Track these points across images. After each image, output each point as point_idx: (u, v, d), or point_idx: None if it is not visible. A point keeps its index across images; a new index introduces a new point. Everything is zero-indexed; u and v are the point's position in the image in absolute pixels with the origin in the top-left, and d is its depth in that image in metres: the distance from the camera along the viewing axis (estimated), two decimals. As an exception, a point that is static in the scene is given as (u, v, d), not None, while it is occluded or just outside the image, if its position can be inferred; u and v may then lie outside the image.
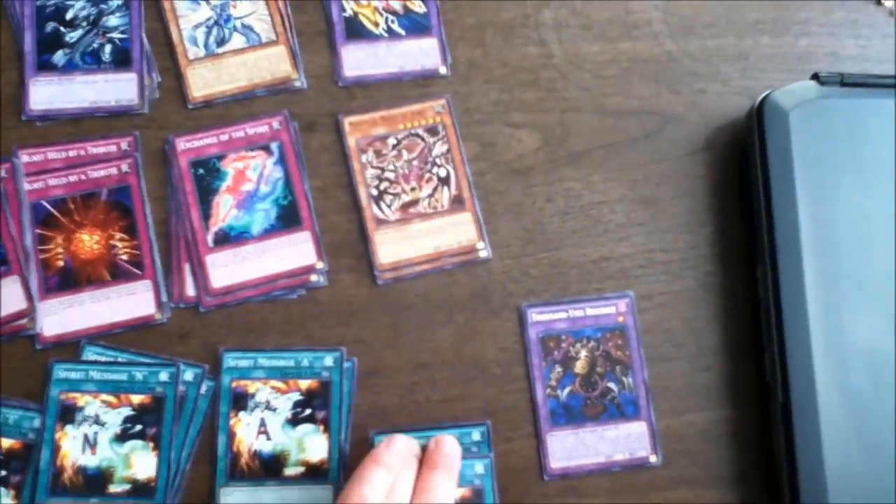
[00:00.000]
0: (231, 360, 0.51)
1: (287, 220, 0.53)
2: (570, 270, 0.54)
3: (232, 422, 0.51)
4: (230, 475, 0.50)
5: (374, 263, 0.53)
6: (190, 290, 0.52)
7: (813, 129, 0.53)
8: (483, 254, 0.54)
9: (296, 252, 0.53)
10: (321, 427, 0.51)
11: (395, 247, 0.54)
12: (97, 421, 0.50)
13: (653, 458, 0.53)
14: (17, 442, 0.49)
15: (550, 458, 0.52)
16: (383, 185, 0.54)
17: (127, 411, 0.50)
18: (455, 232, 0.54)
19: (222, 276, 0.52)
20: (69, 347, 0.50)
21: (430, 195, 0.54)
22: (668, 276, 0.55)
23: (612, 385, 0.54)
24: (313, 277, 0.53)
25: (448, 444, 0.50)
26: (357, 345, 0.52)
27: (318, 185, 0.54)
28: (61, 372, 0.50)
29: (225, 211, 0.53)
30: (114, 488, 0.49)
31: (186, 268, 0.52)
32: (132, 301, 0.51)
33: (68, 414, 0.50)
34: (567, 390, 0.53)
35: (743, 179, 0.55)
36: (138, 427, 0.50)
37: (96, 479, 0.49)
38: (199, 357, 0.51)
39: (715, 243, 0.56)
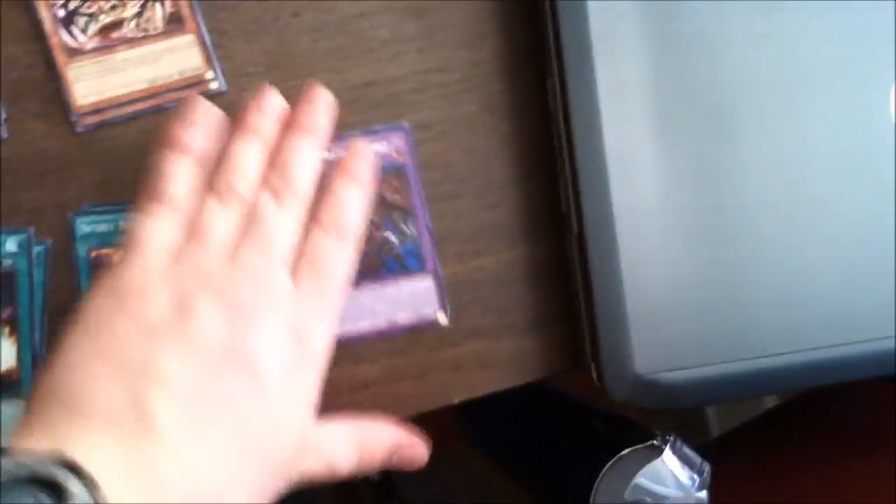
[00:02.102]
0: None
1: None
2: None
3: None
4: None
5: (70, 106, 0.42)
6: None
7: None
8: (214, 85, 0.44)
9: (-41, 96, 0.41)
10: (6, 329, 0.41)
11: (95, 83, 0.42)
12: None
13: (441, 317, 0.45)
14: None
15: None
16: (72, 4, 0.42)
17: None
18: (174, 60, 0.43)
19: None
20: None
21: (139, 14, 0.42)
22: (447, 101, 0.46)
23: (390, 235, 0.46)
24: (-11, 129, 0.41)
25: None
26: (54, 213, 0.42)
27: (-17, 7, 0.41)
28: None
29: None
30: None
31: None
32: None
33: None
34: None
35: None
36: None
37: None
38: None
39: (500, 59, 0.47)
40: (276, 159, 0.39)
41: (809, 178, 0.44)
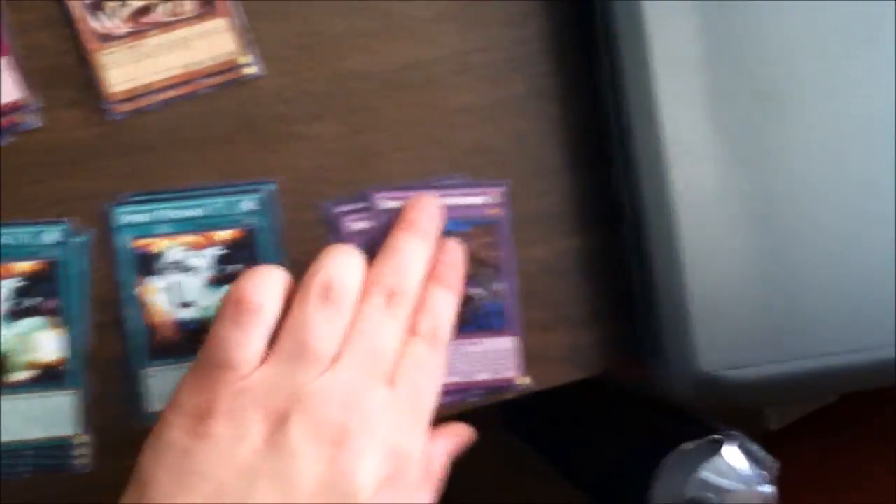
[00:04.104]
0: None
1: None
2: (363, 83, 0.42)
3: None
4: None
5: (102, 93, 0.40)
6: None
7: None
8: (249, 70, 0.42)
9: (-9, 85, 0.39)
10: (51, 320, 0.40)
11: (127, 69, 0.40)
12: None
13: (520, 380, 0.43)
14: None
15: None
16: (102, -12, 0.41)
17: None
18: (207, 44, 0.41)
19: None
20: None
21: (170, -3, 0.41)
22: (490, 83, 0.43)
23: (476, 292, 0.43)
24: (22, 118, 0.40)
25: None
26: (91, 203, 0.40)
27: (11, -7, 0.40)
28: None
29: None
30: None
31: None
32: None
33: None
34: None
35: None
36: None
37: None
38: None
39: (547, 38, 0.44)
40: (379, 264, 0.38)
41: (873, 164, 0.41)
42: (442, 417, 0.41)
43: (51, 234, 0.40)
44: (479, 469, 0.73)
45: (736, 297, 0.39)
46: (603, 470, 0.59)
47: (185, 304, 0.41)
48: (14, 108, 0.40)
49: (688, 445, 0.47)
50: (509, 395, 0.43)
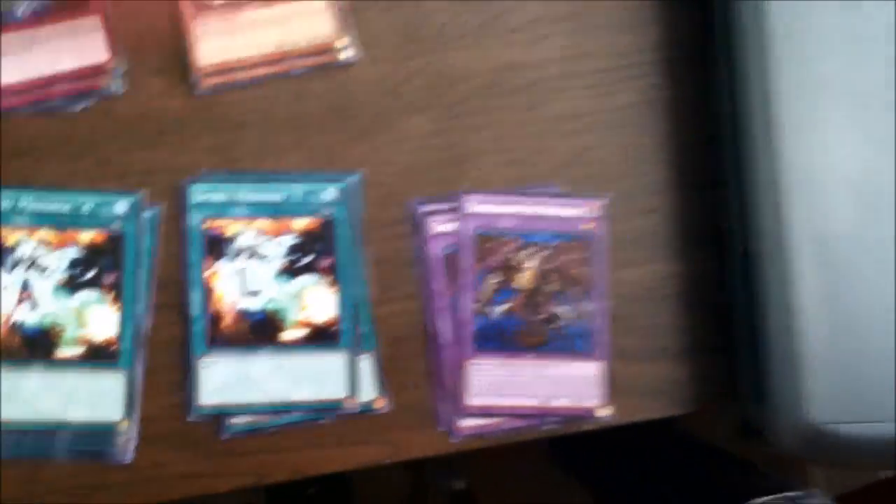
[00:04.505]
0: (-17, 198, 0.37)
1: (66, -1, 0.38)
2: (463, 80, 0.40)
3: (-17, 282, 0.37)
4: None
5: (193, 64, 0.38)
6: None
7: None
8: (345, 55, 0.40)
9: (79, 46, 0.38)
10: (109, 296, 0.38)
11: (220, 42, 0.38)
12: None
13: (602, 412, 0.40)
14: None
15: (468, 392, 0.39)
16: (204, -45, 0.39)
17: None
18: (305, 24, 0.39)
19: (-28, 78, 0.37)
20: None
21: (272, -29, 0.39)
22: (600, 90, 0.41)
23: (562, 311, 0.40)
24: (106, 82, 0.38)
25: None
26: (167, 177, 0.38)
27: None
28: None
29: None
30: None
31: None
32: None
33: None
34: (503, 308, 0.40)
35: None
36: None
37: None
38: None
39: (663, 47, 0.41)
40: None
41: None
42: (498, 446, 0.38)
43: (120, 205, 0.38)
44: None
45: (857, 345, 0.35)
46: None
47: (252, 293, 0.39)
48: (97, 71, 0.38)
49: (759, 501, 0.44)
50: (587, 427, 0.40)
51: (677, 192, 0.41)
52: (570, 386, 0.40)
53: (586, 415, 0.40)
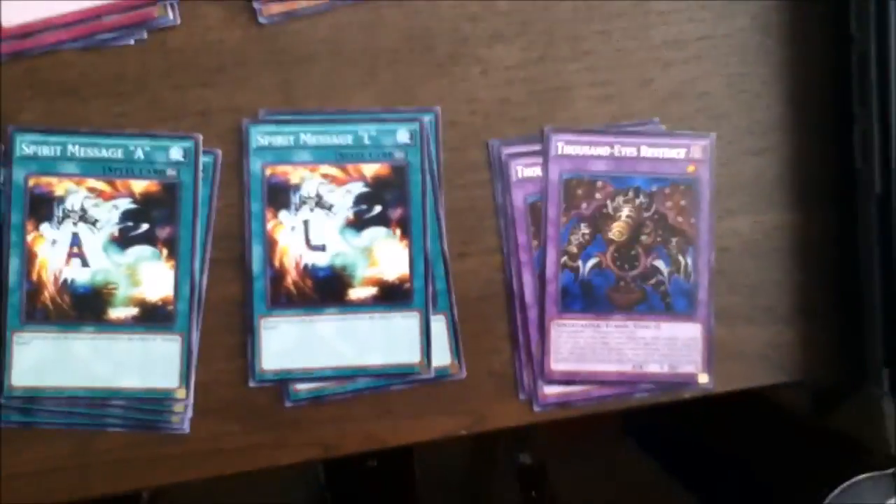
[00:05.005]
0: (27, 145, 0.34)
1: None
2: (555, 3, 0.36)
3: (30, 237, 0.34)
4: (27, 314, 0.34)
5: (254, -10, 0.35)
6: (-36, 29, 0.34)
7: None
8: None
9: (128, -30, 0.35)
10: (164, 251, 0.35)
11: (284, -37, 0.35)
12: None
13: (703, 378, 0.36)
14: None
15: (553, 356, 0.36)
16: None
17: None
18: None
19: (18, 10, 0.34)
20: None
21: None
22: (709, 15, 0.36)
23: (661, 265, 0.36)
24: (159, 12, 0.35)
25: None
26: (226, 116, 0.35)
27: None
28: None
29: None
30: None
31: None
32: None
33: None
34: (592, 262, 0.36)
35: None
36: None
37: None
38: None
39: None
40: None
41: None
42: (581, 416, 0.35)
43: (175, 151, 0.35)
44: (599, 479, 0.67)
45: None
46: (745, 494, 0.52)
47: (317, 248, 0.35)
48: (148, 0, 0.35)
49: (861, 477, 0.40)
50: (685, 395, 0.36)
51: (793, 132, 0.36)
52: (667, 350, 0.36)
53: (684, 382, 0.36)
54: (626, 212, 0.36)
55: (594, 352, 0.36)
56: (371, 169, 0.36)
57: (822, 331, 0.37)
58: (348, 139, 0.36)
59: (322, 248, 0.36)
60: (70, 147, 0.34)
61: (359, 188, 0.36)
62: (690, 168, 0.36)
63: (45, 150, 0.34)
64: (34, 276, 0.34)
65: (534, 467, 0.69)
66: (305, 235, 0.35)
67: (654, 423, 0.65)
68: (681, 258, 0.36)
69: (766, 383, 0.37)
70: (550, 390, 0.36)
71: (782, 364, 0.37)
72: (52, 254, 0.34)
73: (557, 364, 0.36)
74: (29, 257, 0.34)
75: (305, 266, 0.35)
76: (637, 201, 0.36)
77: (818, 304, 0.37)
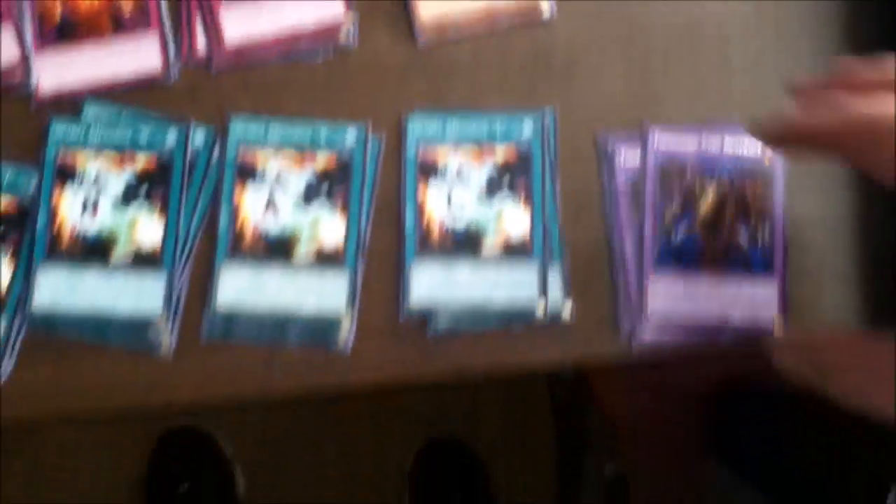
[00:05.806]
0: (240, 125, 0.44)
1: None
2: (655, 31, 0.45)
3: (237, 195, 0.44)
4: (232, 253, 0.43)
5: (416, 22, 0.45)
6: (201, 47, 0.45)
7: None
8: (547, 14, 0.45)
9: (321, 5, 0.45)
10: (338, 209, 0.44)
11: (438, 4, 0.45)
12: (98, 183, 0.44)
13: (779, 321, 0.42)
14: (12, 201, 0.44)
15: (650, 306, 0.43)
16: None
17: (130, 175, 0.44)
18: (512, -12, 0.46)
19: (238, 32, 0.45)
20: (69, 106, 0.44)
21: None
22: (786, 41, 0.45)
23: (741, 233, 0.43)
24: (342, 38, 0.45)
25: None
26: (390, 112, 0.44)
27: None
28: (60, 129, 0.44)
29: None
30: (116, 257, 0.43)
31: (198, 21, 0.45)
32: (136, 56, 0.45)
33: (67, 175, 0.44)
34: (683, 231, 0.44)
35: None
36: (144, 188, 0.44)
37: (97, 247, 0.43)
38: (209, 123, 0.44)
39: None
40: None
41: None
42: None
43: (350, 133, 0.44)
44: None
45: None
46: (814, 496, 0.54)
47: (457, 211, 0.44)
48: (335, 28, 0.45)
49: None
50: (765, 344, 0.41)
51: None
52: (747, 302, 0.43)
53: (763, 330, 0.42)
54: (711, 193, 0.44)
55: (685, 302, 0.42)
56: (501, 153, 0.44)
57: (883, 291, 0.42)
58: (483, 130, 0.45)
59: (461, 212, 0.44)
60: (270, 129, 0.45)
61: (491, 167, 0.44)
62: (766, 160, 0.44)
63: (252, 132, 0.44)
64: (238, 225, 0.43)
65: (621, 481, 0.72)
66: (448, 202, 0.44)
67: (738, 444, 0.67)
68: (758, 229, 0.43)
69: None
70: (646, 334, 0.43)
71: (847, 323, 0.43)
72: (252, 208, 0.44)
73: (653, 312, 0.43)
74: (235, 210, 0.44)
75: (447, 227, 0.44)
76: (721, 185, 0.44)
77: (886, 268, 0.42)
